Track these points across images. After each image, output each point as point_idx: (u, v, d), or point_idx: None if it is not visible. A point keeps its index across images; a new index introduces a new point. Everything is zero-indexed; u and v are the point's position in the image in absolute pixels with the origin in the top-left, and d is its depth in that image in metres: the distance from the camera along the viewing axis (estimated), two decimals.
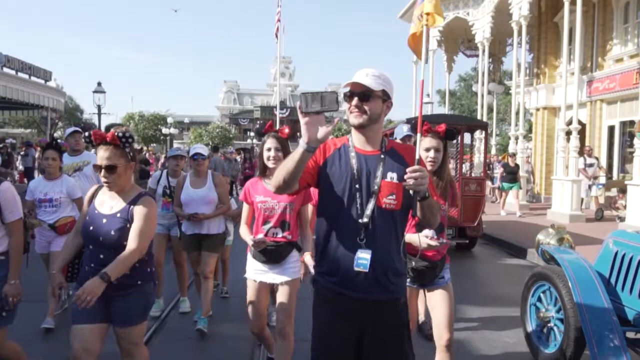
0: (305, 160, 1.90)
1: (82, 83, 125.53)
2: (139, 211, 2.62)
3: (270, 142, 3.17)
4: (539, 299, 3.99)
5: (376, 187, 2.02)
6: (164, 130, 36.95)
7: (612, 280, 3.55)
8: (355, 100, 2.00)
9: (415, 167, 1.92)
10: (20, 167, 19.31)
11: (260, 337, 3.45)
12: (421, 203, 1.98)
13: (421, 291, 3.14)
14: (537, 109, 17.19)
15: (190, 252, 4.62)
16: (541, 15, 16.83)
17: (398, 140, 3.93)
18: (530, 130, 20.40)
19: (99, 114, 19.16)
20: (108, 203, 2.69)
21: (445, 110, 25.58)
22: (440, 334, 2.94)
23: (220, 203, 4.56)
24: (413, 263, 2.95)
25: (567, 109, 12.34)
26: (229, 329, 4.58)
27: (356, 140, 2.11)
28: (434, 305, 3.03)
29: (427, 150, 2.96)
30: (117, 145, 2.58)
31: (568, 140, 12.29)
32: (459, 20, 17.98)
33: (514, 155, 13.78)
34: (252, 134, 42.78)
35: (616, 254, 3.57)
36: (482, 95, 18.91)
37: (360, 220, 2.01)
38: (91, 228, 2.62)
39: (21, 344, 3.12)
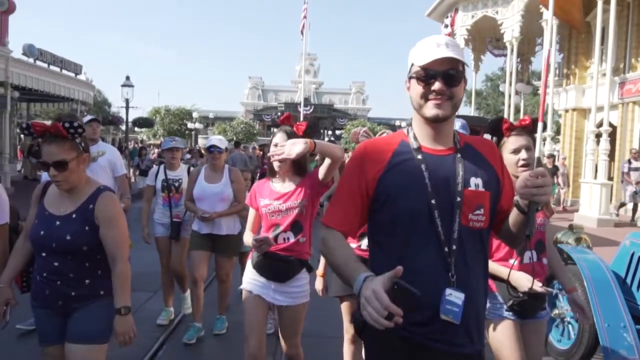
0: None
1: (110, 77, 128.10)
2: (104, 216, 2.24)
3: (279, 137, 2.74)
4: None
5: (459, 199, 1.50)
6: (189, 125, 37.39)
7: (628, 280, 3.66)
8: (438, 84, 1.48)
9: (539, 170, 1.42)
10: None
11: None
12: (526, 218, 1.48)
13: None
14: (566, 110, 16.81)
15: (195, 249, 4.14)
16: None
17: None
18: (558, 132, 19.97)
19: (127, 108, 19.54)
20: (60, 202, 2.29)
21: (471, 110, 25.21)
22: None
23: (235, 201, 4.18)
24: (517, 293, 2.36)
25: (597, 110, 12.05)
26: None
27: (422, 136, 1.59)
28: (528, 342, 2.42)
29: (516, 151, 2.38)
30: (65, 137, 2.18)
31: (597, 143, 12.01)
32: (487, 19, 17.72)
33: (552, 156, 13.39)
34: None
35: (632, 254, 3.67)
36: (510, 96, 18.59)
37: (445, 248, 1.48)
38: (42, 233, 2.23)
39: None
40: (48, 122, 2.26)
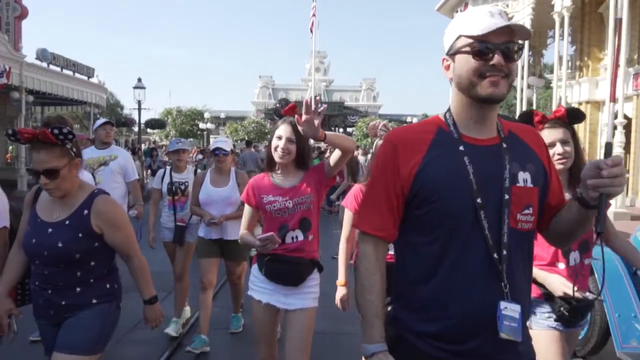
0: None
1: (122, 79, 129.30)
2: (106, 220, 2.17)
3: (283, 129, 2.53)
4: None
5: (507, 197, 1.32)
6: (201, 125, 37.58)
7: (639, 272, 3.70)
8: (498, 58, 1.28)
9: (616, 157, 1.21)
10: None
11: None
12: (596, 213, 1.27)
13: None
14: (580, 103, 16.59)
15: (204, 257, 3.97)
16: (584, 6, 16.22)
17: None
18: None
19: (139, 109, 19.69)
20: (52, 208, 2.19)
21: None
22: None
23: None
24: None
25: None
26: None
27: (463, 123, 1.38)
28: None
29: (551, 145, 2.13)
30: (54, 143, 2.06)
31: (613, 135, 11.83)
32: None
33: None
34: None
35: None
36: (522, 89, 18.40)
37: (495, 254, 1.30)
38: (34, 241, 2.14)
39: None
40: None
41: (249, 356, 2.96)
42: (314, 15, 22.43)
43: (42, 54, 15.35)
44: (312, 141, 2.60)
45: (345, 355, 3.86)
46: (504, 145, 1.37)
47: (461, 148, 1.34)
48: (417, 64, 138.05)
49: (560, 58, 15.91)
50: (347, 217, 2.87)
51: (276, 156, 2.52)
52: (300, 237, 2.53)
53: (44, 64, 15.50)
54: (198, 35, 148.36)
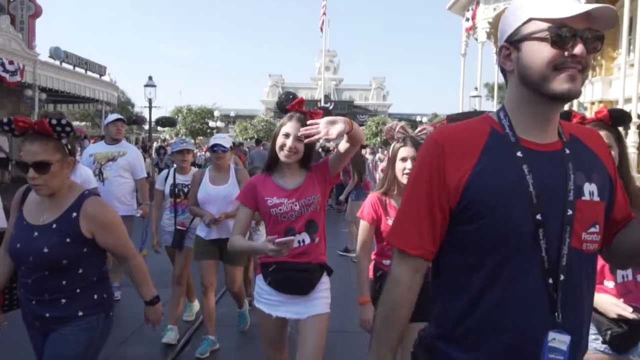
0: None
1: (133, 77, 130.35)
2: (98, 223, 2.02)
3: (290, 127, 2.31)
4: None
5: (570, 213, 1.13)
6: (211, 124, 37.75)
7: None
8: (580, 47, 1.08)
9: None
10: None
11: None
12: None
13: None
14: (592, 103, 16.41)
15: (203, 259, 3.80)
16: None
17: None
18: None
19: (150, 107, 19.84)
20: (40, 211, 2.04)
21: (493, 104, 24.84)
22: None
23: None
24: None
25: (625, 102, 11.74)
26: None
27: (521, 124, 1.18)
28: None
29: None
30: (50, 135, 1.94)
31: (626, 135, 11.71)
32: None
33: None
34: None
35: None
36: None
37: (550, 279, 1.12)
38: (18, 245, 2.00)
39: None
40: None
41: (257, 356, 2.92)
42: (324, 14, 22.41)
43: (55, 52, 15.51)
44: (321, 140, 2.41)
45: (349, 354, 3.83)
46: (567, 152, 1.17)
47: (519, 154, 1.14)
48: (427, 63, 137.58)
49: None
50: (362, 229, 2.62)
51: (282, 155, 2.33)
52: (307, 241, 2.35)
53: (57, 62, 15.68)
54: (209, 34, 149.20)
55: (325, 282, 2.45)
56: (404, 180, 2.52)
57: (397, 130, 2.62)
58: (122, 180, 4.82)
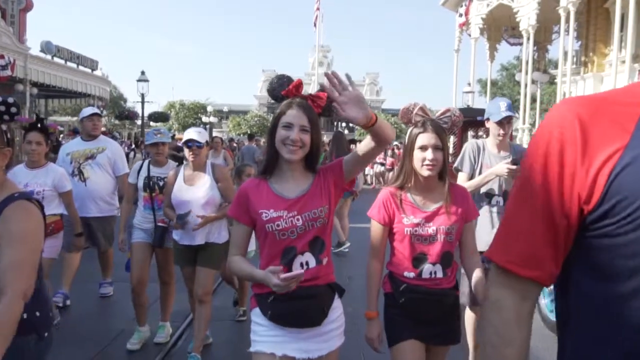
0: None
1: (125, 72, 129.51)
2: (6, 229, 1.60)
3: (292, 116, 1.84)
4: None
5: None
6: (204, 119, 37.63)
7: None
8: None
9: None
10: None
11: None
12: None
13: None
14: None
15: (184, 266, 3.55)
16: (590, 1, 16.14)
17: (492, 123, 3.14)
18: None
19: (142, 102, 19.76)
20: None
21: (486, 100, 24.92)
22: None
23: (225, 202, 3.44)
24: None
25: None
26: None
27: None
28: None
29: None
30: None
31: None
32: (503, 7, 17.44)
33: None
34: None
35: None
36: (526, 85, 18.33)
37: None
38: None
39: None
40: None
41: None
42: (318, 9, 22.35)
43: (47, 47, 15.39)
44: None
45: (343, 353, 3.83)
46: None
47: None
48: (420, 58, 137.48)
49: (565, 53, 15.82)
50: (373, 230, 2.22)
51: (285, 151, 1.84)
52: (313, 263, 1.88)
53: (48, 57, 15.57)
54: (202, 28, 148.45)
55: (337, 306, 2.00)
56: (423, 172, 2.10)
57: (415, 112, 2.17)
58: (105, 179, 4.63)
